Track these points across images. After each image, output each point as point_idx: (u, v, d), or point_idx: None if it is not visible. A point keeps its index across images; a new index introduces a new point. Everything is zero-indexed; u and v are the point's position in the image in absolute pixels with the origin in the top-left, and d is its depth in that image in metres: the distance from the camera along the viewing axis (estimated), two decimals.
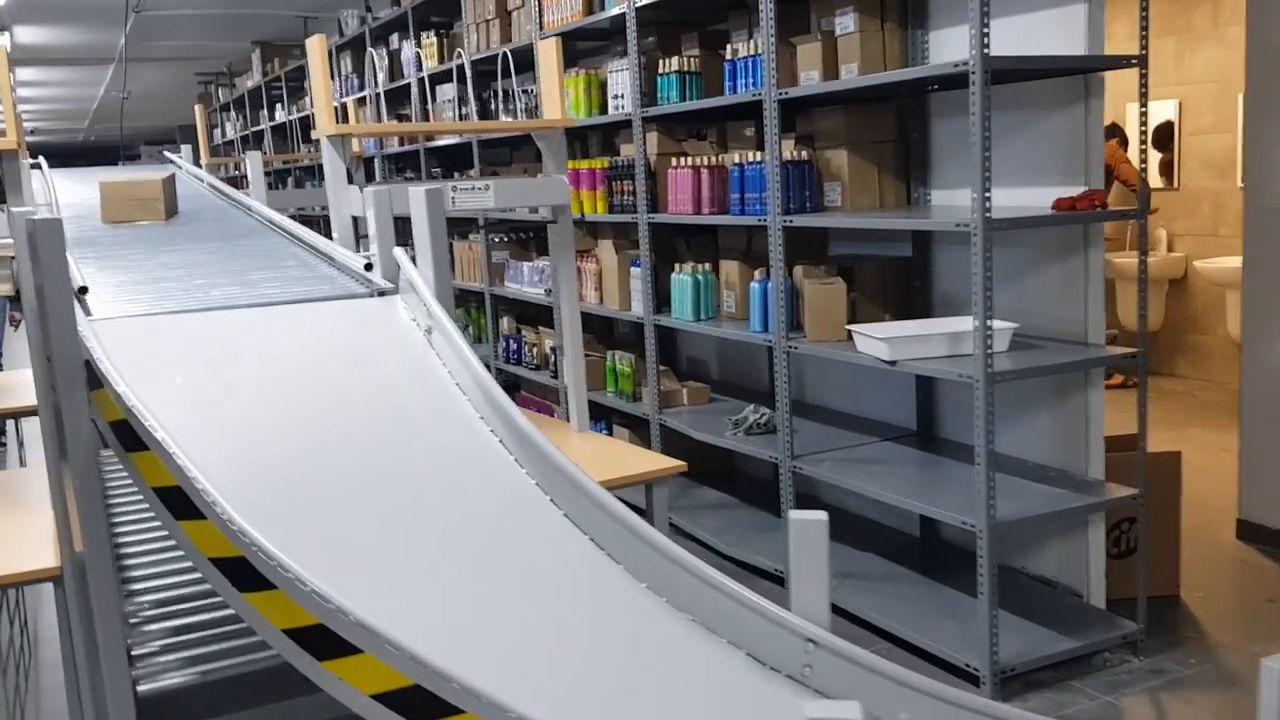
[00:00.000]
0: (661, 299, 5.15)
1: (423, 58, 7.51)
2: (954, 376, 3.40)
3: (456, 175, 7.76)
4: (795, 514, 2.00)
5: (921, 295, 4.34)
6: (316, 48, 3.03)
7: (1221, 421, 6.65)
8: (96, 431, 1.95)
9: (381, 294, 2.46)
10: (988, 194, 3.21)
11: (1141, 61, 3.43)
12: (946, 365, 3.52)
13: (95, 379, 1.92)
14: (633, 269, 5.24)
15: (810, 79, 4.20)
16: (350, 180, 3.25)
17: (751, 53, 4.27)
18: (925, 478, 4.00)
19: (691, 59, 4.78)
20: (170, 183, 3.36)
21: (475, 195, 2.97)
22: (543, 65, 3.28)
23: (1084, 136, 3.68)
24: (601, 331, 6.17)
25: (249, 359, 2.16)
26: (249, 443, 1.95)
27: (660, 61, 4.84)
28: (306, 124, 10.94)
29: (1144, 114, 3.47)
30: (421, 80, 7.54)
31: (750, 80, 4.27)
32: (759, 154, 4.34)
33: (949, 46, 4.10)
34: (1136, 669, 3.63)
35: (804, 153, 4.24)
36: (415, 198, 2.30)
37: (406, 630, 1.57)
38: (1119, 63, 3.44)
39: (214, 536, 1.70)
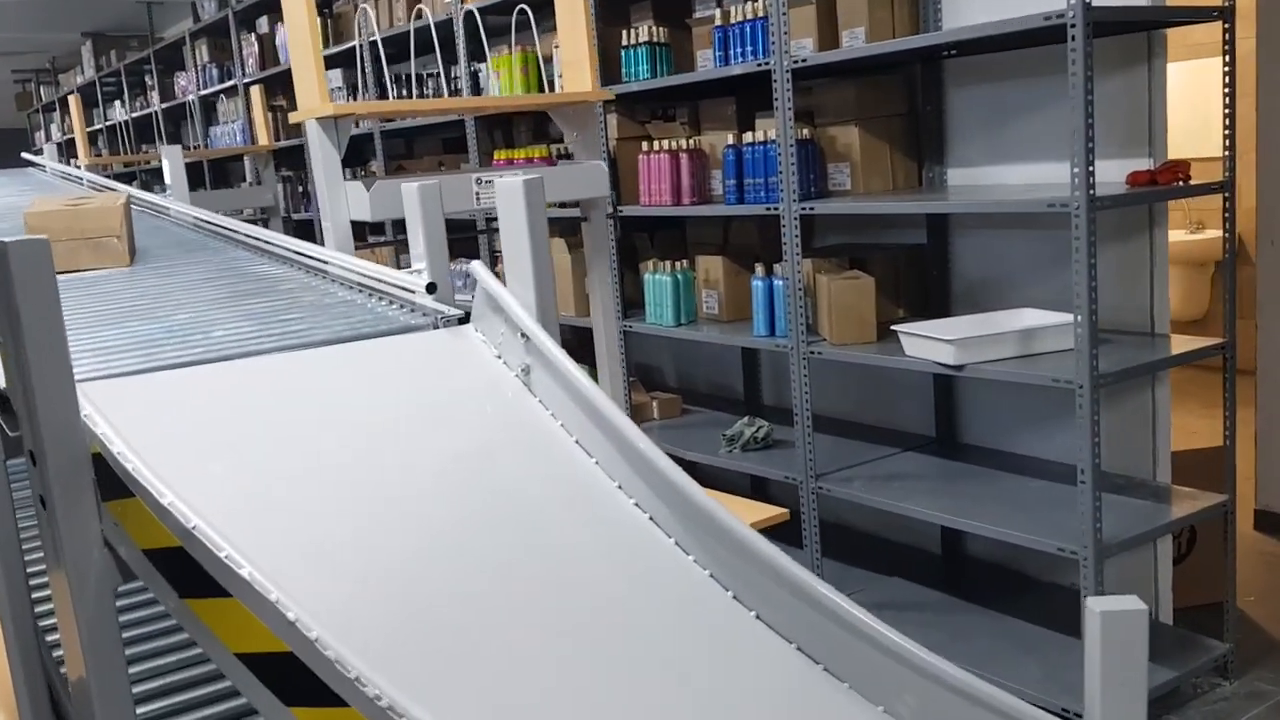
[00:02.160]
0: (625, 302, 4.58)
1: None
2: (1047, 382, 2.95)
3: (348, 174, 6.98)
4: (1100, 603, 1.48)
5: (940, 287, 3.89)
6: (300, 6, 2.36)
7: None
8: (114, 561, 1.29)
9: (446, 323, 1.84)
10: (1091, 168, 2.76)
11: (1225, 14, 3.04)
12: (1022, 368, 3.07)
13: (112, 482, 1.25)
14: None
15: (802, 47, 3.69)
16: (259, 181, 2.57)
17: (747, 17, 3.74)
18: (972, 492, 3.55)
19: (657, 29, 4.22)
20: (128, 209, 2.48)
21: None
22: (565, 25, 2.68)
23: (1147, 101, 3.28)
24: None
25: (303, 429, 1.52)
26: (349, 568, 1.31)
27: (625, 33, 4.26)
28: (152, 121, 9.89)
29: (1229, 73, 3.08)
30: None
31: (748, 49, 3.74)
32: (753, 134, 3.82)
33: (966, 6, 3.66)
34: (1232, 694, 3.26)
35: (805, 131, 3.74)
36: (507, 190, 1.68)
37: None
38: (1205, 15, 3.04)
39: None
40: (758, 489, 4.71)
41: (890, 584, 3.93)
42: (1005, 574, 3.91)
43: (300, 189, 7.03)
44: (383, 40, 5.59)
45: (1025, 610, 3.60)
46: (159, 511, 1.18)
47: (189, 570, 1.17)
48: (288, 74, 6.86)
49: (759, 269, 3.87)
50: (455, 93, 5.35)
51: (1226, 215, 3.16)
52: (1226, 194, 3.13)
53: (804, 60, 3.53)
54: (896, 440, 4.05)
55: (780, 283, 3.75)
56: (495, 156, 5.04)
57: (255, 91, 6.67)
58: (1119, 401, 3.48)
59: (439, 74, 5.75)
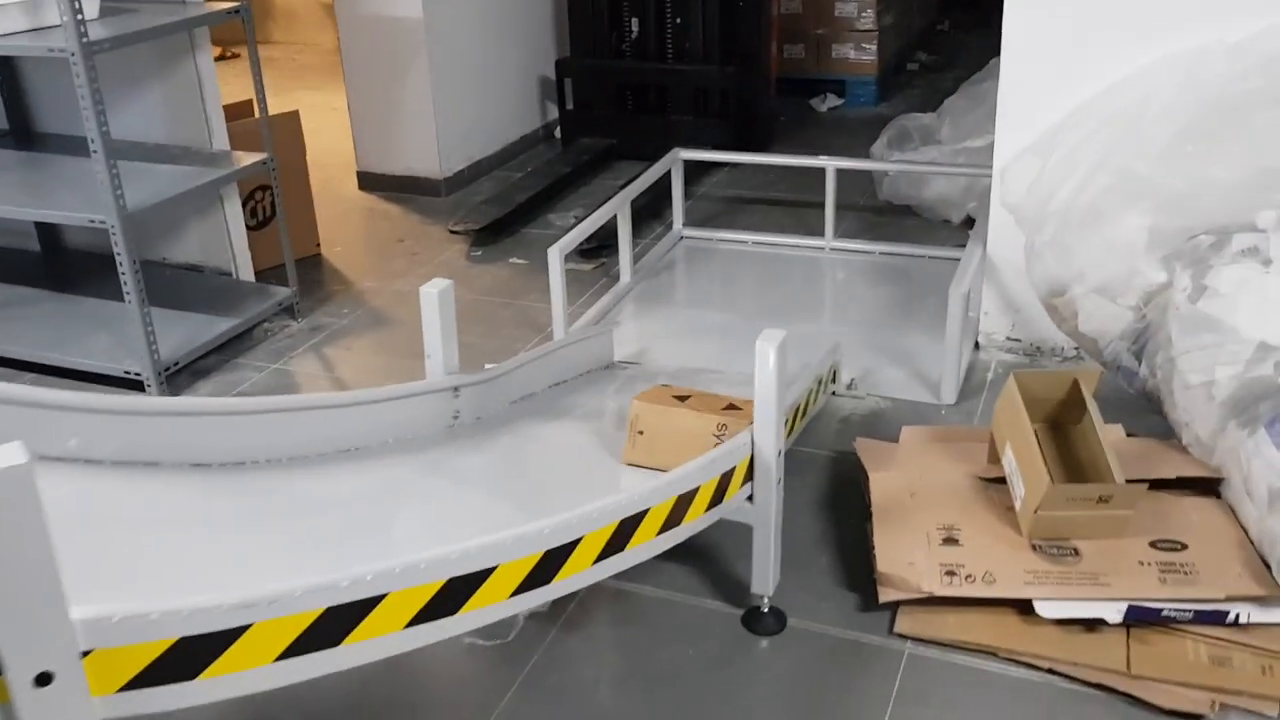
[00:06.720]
0: None
1: None
2: (44, 53, 2.93)
3: None
4: None
5: None
6: None
7: (323, 82, 6.83)
8: None
9: None
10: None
11: None
12: (31, 41, 3.02)
13: None
14: None
15: None
16: None
17: None
18: (38, 179, 3.52)
19: None
20: None
21: None
22: None
23: None
24: None
25: None
26: None
27: None
28: None
29: None
30: None
31: None
32: None
33: None
34: (297, 331, 3.70)
35: None
36: None
37: None
38: None
39: None
40: None
41: None
42: (104, 260, 3.97)
43: None
44: None
45: (111, 290, 3.71)
46: None
47: None
48: None
49: None
50: None
51: None
52: None
53: None
54: None
55: None
56: None
57: None
58: (166, 76, 3.59)
59: None
